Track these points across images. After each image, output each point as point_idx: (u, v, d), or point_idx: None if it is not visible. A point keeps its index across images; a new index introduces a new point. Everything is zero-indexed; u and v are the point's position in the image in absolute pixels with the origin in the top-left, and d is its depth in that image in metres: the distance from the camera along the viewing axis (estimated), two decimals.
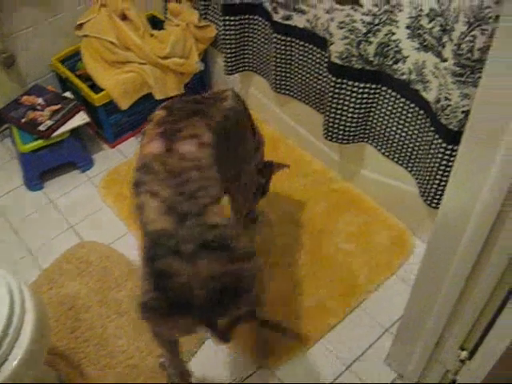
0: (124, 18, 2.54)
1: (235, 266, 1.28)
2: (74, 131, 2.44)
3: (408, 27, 1.75)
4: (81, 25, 2.57)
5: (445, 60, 1.65)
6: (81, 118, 2.43)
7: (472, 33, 1.48)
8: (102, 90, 2.48)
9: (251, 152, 1.83)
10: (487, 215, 1.15)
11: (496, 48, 0.94)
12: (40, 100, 2.48)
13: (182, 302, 1.25)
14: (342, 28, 1.84)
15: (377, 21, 1.77)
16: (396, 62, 1.85)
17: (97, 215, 2.37)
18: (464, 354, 1.50)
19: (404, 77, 1.86)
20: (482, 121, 1.05)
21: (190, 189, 1.31)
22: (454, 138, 1.73)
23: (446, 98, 1.66)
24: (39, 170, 2.46)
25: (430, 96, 1.78)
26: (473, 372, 1.47)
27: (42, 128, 2.34)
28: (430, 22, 1.65)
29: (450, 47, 1.60)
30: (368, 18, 1.77)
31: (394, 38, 1.80)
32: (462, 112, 1.65)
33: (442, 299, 1.43)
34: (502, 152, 1.04)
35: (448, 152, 1.76)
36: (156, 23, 2.70)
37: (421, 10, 1.67)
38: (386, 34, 1.80)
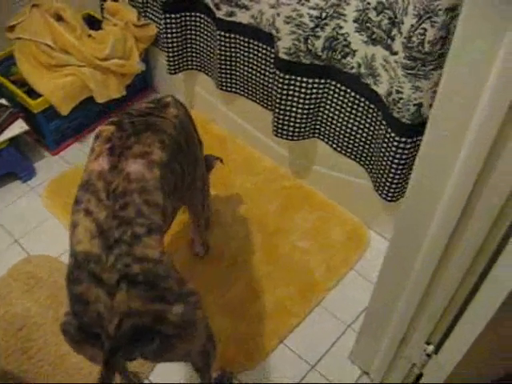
0: (59, 18, 2.43)
1: (158, 307, 1.20)
2: (13, 140, 2.32)
3: (356, 21, 1.72)
4: (12, 27, 2.45)
5: (395, 53, 1.63)
6: (19, 126, 2.32)
7: (422, 25, 1.46)
8: (39, 95, 2.37)
9: (199, 154, 1.78)
10: (453, 207, 1.13)
11: (457, 41, 0.92)
12: None
13: (93, 332, 1.20)
14: (288, 23, 1.80)
15: (324, 15, 1.74)
16: (345, 56, 1.83)
17: (42, 227, 2.26)
18: (430, 348, 1.49)
19: (353, 71, 1.84)
20: (444, 118, 1.03)
21: (128, 214, 1.24)
22: (406, 131, 1.72)
23: (398, 92, 1.65)
24: None
25: (380, 89, 1.77)
26: (439, 366, 1.46)
27: None
28: (378, 14, 1.64)
29: (399, 40, 1.58)
30: (315, 12, 1.74)
31: (342, 31, 1.77)
32: (414, 105, 1.64)
33: (408, 294, 1.42)
34: (466, 147, 1.02)
35: (401, 145, 1.75)
36: (93, 23, 2.60)
37: (368, 3, 1.65)
38: (334, 28, 1.78)
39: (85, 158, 2.38)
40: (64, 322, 1.26)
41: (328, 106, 2.00)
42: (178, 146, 1.50)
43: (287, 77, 1.93)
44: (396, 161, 1.80)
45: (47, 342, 1.90)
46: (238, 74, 2.25)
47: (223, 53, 2.19)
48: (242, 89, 2.29)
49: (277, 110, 2.06)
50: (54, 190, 2.37)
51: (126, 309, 1.17)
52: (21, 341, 1.90)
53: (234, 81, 2.28)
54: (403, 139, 1.74)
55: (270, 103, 2.21)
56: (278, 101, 2.02)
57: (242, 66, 2.21)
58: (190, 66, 2.46)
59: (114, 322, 1.17)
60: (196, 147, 1.72)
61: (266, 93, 2.19)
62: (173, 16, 2.24)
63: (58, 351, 1.88)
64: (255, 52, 2.12)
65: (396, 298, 1.47)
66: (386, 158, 1.83)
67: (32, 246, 2.19)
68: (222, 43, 2.16)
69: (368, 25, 1.69)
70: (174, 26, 2.27)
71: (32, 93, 2.40)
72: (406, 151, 1.77)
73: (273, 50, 2.01)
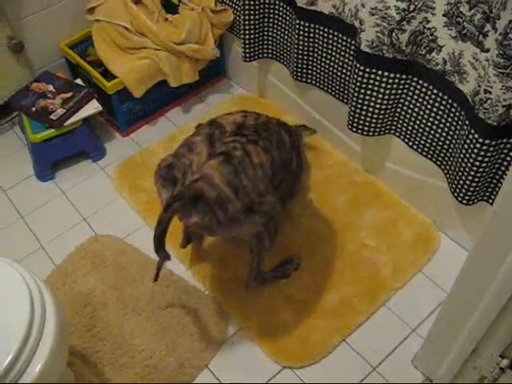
0: (137, 1, 2.44)
1: (229, 194, 1.45)
2: (86, 120, 2.35)
3: (445, 14, 1.65)
4: (92, 8, 2.47)
5: (486, 50, 1.56)
6: (93, 107, 2.34)
7: None
8: (113, 76, 2.39)
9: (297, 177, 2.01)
10: None
11: None
12: (50, 87, 2.39)
13: (177, 175, 1.48)
14: (373, 15, 1.74)
15: (412, 7, 1.68)
16: (430, 52, 1.76)
17: (111, 207, 2.29)
18: (505, 362, 1.43)
19: (438, 67, 1.77)
20: None
21: (263, 134, 1.65)
22: (491, 132, 1.65)
23: (486, 91, 1.57)
24: (50, 160, 2.38)
25: (466, 88, 1.69)
26: None
27: (53, 117, 2.25)
28: (471, 9, 1.56)
29: (493, 37, 1.51)
30: (403, 5, 1.68)
31: (429, 25, 1.71)
32: (503, 106, 1.56)
33: (485, 304, 1.36)
34: None
35: (484, 147, 1.68)
36: (169, 7, 2.59)
37: None
38: (421, 22, 1.71)
39: (154, 141, 2.45)
40: (162, 160, 1.56)
41: (407, 103, 1.94)
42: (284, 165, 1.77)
43: (367, 70, 1.88)
44: (477, 163, 1.73)
45: (110, 322, 1.92)
46: (315, 64, 2.20)
47: (301, 43, 2.15)
48: (318, 80, 2.25)
49: (354, 104, 2.00)
50: (123, 171, 2.39)
51: (209, 173, 1.42)
52: (85, 318, 1.93)
53: (310, 71, 2.24)
54: (487, 141, 1.67)
55: (346, 96, 2.15)
56: (355, 94, 1.97)
57: (319, 57, 2.16)
58: (265, 55, 2.43)
59: (194, 176, 1.42)
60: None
61: (342, 85, 2.14)
62: (252, 3, 2.21)
63: (121, 332, 1.90)
64: (335, 43, 2.07)
65: (472, 307, 1.41)
66: (466, 160, 1.76)
67: (99, 226, 2.22)
68: (301, 33, 2.12)
69: (459, 19, 1.62)
70: (252, 12, 2.24)
71: (107, 74, 2.42)
72: (488, 153, 1.70)
73: (353, 42, 1.96)
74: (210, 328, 1.91)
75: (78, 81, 2.48)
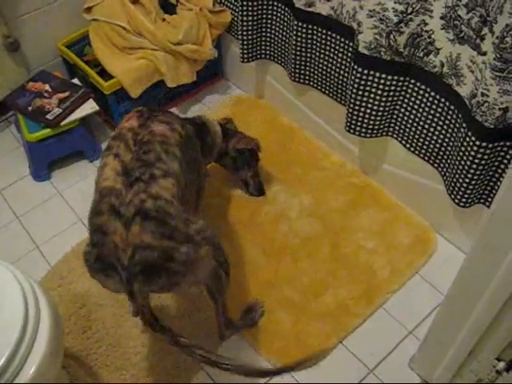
0: (134, 1, 2.43)
1: (167, 244, 1.34)
2: (83, 119, 2.34)
3: (443, 17, 1.65)
4: (89, 8, 2.47)
5: (483, 53, 1.55)
6: (90, 107, 2.34)
7: None
8: (110, 76, 2.38)
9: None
10: None
11: None
12: (47, 87, 2.38)
13: (111, 261, 1.34)
14: (371, 17, 1.74)
15: (410, 10, 1.68)
16: (427, 54, 1.76)
17: None
18: (501, 365, 1.42)
19: (435, 70, 1.77)
20: None
21: (150, 158, 1.44)
22: (488, 135, 1.65)
23: (483, 94, 1.57)
24: (47, 160, 2.37)
25: (463, 91, 1.69)
26: None
27: (49, 117, 2.25)
28: (469, 12, 1.56)
29: (490, 40, 1.51)
30: (401, 7, 1.68)
31: (426, 28, 1.71)
32: (500, 109, 1.56)
33: (482, 307, 1.36)
34: None
35: (481, 150, 1.68)
36: (167, 7, 2.58)
37: None
38: (419, 24, 1.71)
39: None
40: (85, 252, 1.42)
41: (405, 105, 1.94)
42: (190, 143, 1.73)
43: (365, 72, 1.88)
44: (474, 166, 1.72)
45: (106, 324, 1.92)
46: (312, 66, 2.20)
47: (299, 44, 2.14)
48: (315, 81, 2.25)
49: (351, 105, 2.00)
50: None
51: (138, 241, 1.31)
52: (81, 320, 1.92)
53: (308, 73, 2.24)
54: (484, 144, 1.67)
55: (343, 97, 2.15)
56: (353, 96, 1.97)
57: (317, 58, 2.16)
58: (263, 55, 2.43)
59: (128, 253, 1.31)
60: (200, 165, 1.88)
61: (340, 87, 2.14)
62: (250, 4, 2.20)
63: (116, 333, 1.89)
64: (332, 45, 2.06)
65: (469, 310, 1.41)
66: (462, 162, 1.76)
67: None
68: (299, 34, 2.11)
69: (456, 22, 1.62)
70: (250, 13, 2.23)
71: (104, 74, 2.41)
72: (485, 156, 1.70)
73: (351, 44, 1.96)
74: (205, 330, 1.90)
75: (75, 80, 2.47)
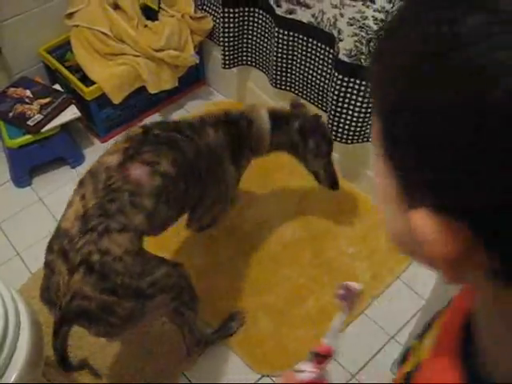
0: (116, 7, 2.44)
1: (107, 299, 1.33)
2: (65, 126, 2.34)
3: None
4: (71, 14, 2.46)
5: None
6: (72, 113, 2.33)
7: None
8: (92, 82, 2.37)
9: (220, 190, 1.80)
10: None
11: None
12: (28, 92, 2.37)
13: (53, 298, 1.36)
14: (351, 25, 1.76)
15: (389, 18, 1.69)
16: None
17: None
18: None
19: None
20: None
21: (111, 208, 1.38)
22: None
23: None
24: (28, 166, 2.36)
25: None
26: None
27: (30, 123, 2.24)
28: None
29: None
30: (380, 15, 1.69)
31: None
32: None
33: None
34: None
35: None
36: (149, 13, 2.59)
37: None
38: None
39: None
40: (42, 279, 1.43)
41: None
42: (191, 170, 1.60)
43: (346, 79, 1.89)
44: None
45: (87, 331, 1.90)
46: (293, 72, 2.21)
47: (280, 50, 2.16)
48: (296, 88, 2.26)
49: (332, 112, 2.02)
50: None
51: (78, 290, 1.31)
52: None
53: (289, 79, 2.25)
54: None
55: (325, 104, 2.17)
56: (334, 103, 1.98)
57: (298, 65, 2.17)
58: (244, 62, 2.44)
59: (66, 297, 1.32)
60: (217, 182, 1.77)
61: (321, 93, 2.15)
62: (231, 10, 2.21)
63: (97, 341, 1.88)
64: (313, 51, 2.08)
65: None
66: None
67: None
68: (280, 41, 2.12)
69: None
70: (231, 20, 2.24)
71: (86, 80, 2.41)
72: None
73: (332, 51, 1.97)
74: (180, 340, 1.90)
75: (57, 86, 2.47)
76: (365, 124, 2.01)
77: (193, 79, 2.75)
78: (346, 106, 1.96)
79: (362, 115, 1.98)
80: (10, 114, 2.28)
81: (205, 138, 1.67)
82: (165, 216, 1.55)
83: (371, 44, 1.76)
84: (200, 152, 1.63)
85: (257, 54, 2.37)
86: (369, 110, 1.96)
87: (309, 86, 2.19)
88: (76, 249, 1.32)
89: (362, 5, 1.70)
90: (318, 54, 2.07)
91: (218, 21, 2.43)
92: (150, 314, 1.48)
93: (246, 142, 1.82)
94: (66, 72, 2.43)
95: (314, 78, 2.15)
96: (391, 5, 1.66)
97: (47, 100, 2.33)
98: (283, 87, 2.30)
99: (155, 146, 1.52)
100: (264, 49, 2.31)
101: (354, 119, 1.99)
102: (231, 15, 2.23)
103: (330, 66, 2.03)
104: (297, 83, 2.24)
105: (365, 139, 2.08)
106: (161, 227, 1.61)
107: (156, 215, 1.48)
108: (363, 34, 1.75)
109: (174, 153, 1.54)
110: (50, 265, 1.36)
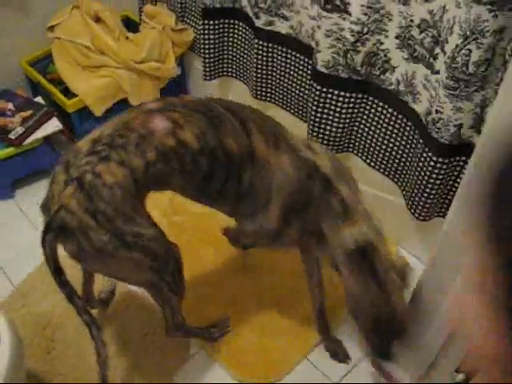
0: (98, 20, 2.45)
1: (86, 220, 1.37)
2: (47, 138, 2.34)
3: (397, 37, 1.70)
4: (53, 26, 2.47)
5: (436, 72, 1.60)
6: (53, 125, 2.34)
7: (467, 46, 1.44)
8: (74, 94, 2.38)
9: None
10: None
11: None
12: (10, 105, 2.37)
13: (49, 207, 1.43)
14: (328, 36, 1.78)
15: (366, 30, 1.72)
16: (384, 72, 1.80)
17: None
18: (460, 376, 1.46)
19: (392, 87, 1.81)
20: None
21: (119, 142, 1.42)
22: (444, 151, 1.69)
23: (438, 111, 1.62)
24: (10, 179, 2.35)
25: (419, 108, 1.74)
26: None
27: (12, 136, 2.24)
28: (421, 32, 1.61)
29: (442, 59, 1.56)
30: (357, 27, 1.72)
31: (382, 47, 1.75)
32: (455, 126, 1.61)
33: (441, 318, 1.39)
34: None
35: (438, 165, 1.72)
36: (131, 25, 2.60)
37: (411, 20, 1.63)
38: (375, 44, 1.75)
39: None
40: None
41: (364, 121, 1.98)
42: (228, 161, 1.51)
43: (324, 90, 1.92)
44: (432, 180, 1.77)
45: (68, 342, 1.91)
46: (273, 83, 2.23)
47: (260, 61, 2.18)
48: (277, 98, 2.28)
49: (311, 123, 2.04)
50: None
51: (66, 202, 1.36)
52: (45, 340, 1.91)
53: (269, 90, 2.27)
54: (440, 159, 1.71)
55: (304, 114, 2.19)
56: (313, 113, 2.01)
57: (278, 76, 2.19)
58: (225, 73, 2.45)
59: (55, 207, 1.38)
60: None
61: (301, 104, 2.18)
62: (211, 22, 2.23)
63: (78, 351, 1.88)
64: (292, 62, 2.10)
65: (428, 322, 1.44)
66: (420, 177, 1.80)
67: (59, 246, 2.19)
68: (260, 52, 2.15)
69: (410, 42, 1.67)
70: (212, 32, 2.26)
71: (67, 92, 2.41)
72: (442, 171, 1.74)
73: (310, 62, 2.00)
74: (171, 346, 1.90)
75: (39, 99, 2.47)
76: (344, 134, 2.03)
77: (174, 91, 2.74)
78: (324, 116, 1.99)
79: (340, 125, 2.00)
80: None
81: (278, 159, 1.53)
82: (166, 178, 1.52)
83: (348, 55, 1.79)
84: (253, 157, 1.52)
85: (237, 65, 2.39)
86: (347, 120, 1.98)
87: (288, 96, 2.22)
88: (77, 165, 1.39)
89: (339, 17, 1.73)
90: (296, 65, 2.09)
91: (198, 33, 2.44)
92: (123, 267, 1.49)
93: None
94: (47, 85, 2.43)
95: (293, 89, 2.17)
96: (367, 17, 1.69)
97: (29, 113, 2.33)
98: (264, 98, 2.32)
99: (194, 114, 1.50)
100: (244, 60, 2.33)
101: (334, 129, 2.01)
102: (211, 27, 2.25)
103: (308, 77, 2.06)
104: (277, 94, 2.27)
105: (344, 149, 2.10)
106: (159, 184, 1.55)
107: (156, 172, 1.46)
108: (340, 45, 1.78)
109: (211, 130, 1.49)
110: (55, 176, 1.44)
